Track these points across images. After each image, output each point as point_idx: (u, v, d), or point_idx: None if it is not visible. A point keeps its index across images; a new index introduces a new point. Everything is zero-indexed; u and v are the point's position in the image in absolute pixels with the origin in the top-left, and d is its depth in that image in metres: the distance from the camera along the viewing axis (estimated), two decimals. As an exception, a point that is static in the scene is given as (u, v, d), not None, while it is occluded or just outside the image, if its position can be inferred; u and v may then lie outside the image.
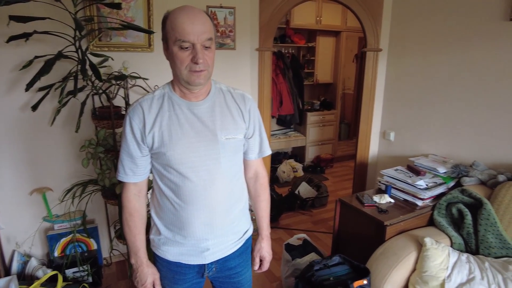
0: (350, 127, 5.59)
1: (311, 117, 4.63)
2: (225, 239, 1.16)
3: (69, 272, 2.13)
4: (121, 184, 1.14)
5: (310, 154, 4.79)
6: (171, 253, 1.14)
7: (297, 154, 4.90)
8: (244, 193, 1.24)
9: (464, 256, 1.62)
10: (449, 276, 1.52)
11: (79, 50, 1.76)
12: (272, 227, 3.07)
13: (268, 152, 1.25)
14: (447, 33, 2.25)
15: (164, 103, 1.06)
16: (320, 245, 2.50)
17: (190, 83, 1.01)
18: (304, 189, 3.56)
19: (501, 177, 1.87)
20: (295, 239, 2.29)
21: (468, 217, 1.75)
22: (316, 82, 4.81)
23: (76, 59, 1.78)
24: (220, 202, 1.10)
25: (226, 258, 1.18)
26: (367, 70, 2.78)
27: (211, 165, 1.07)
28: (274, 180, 4.20)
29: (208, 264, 1.16)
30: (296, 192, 3.53)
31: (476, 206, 1.77)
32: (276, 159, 4.64)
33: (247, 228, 1.25)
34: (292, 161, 4.53)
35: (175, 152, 1.03)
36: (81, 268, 2.14)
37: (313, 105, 4.84)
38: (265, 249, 1.28)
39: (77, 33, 1.72)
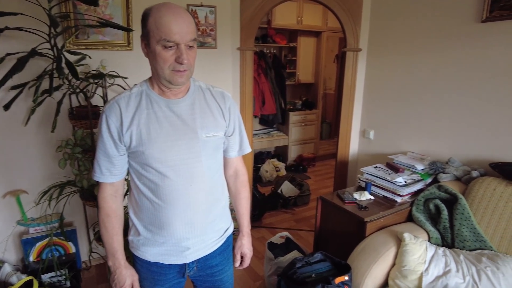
0: (332, 126, 5.67)
1: (293, 117, 4.67)
2: (206, 238, 1.15)
3: (46, 277, 2.06)
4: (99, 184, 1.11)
5: (293, 154, 4.83)
6: (151, 253, 1.12)
7: (280, 153, 4.93)
8: (225, 191, 1.24)
9: (441, 250, 1.67)
10: (426, 269, 1.57)
11: (55, 48, 1.70)
12: (255, 226, 3.10)
13: (248, 150, 1.25)
14: (424, 34, 2.31)
15: (142, 100, 1.04)
16: (302, 243, 2.52)
17: (172, 83, 1.00)
18: (287, 188, 3.58)
19: (474, 173, 1.93)
20: (278, 238, 2.30)
21: (445, 212, 1.80)
22: (298, 82, 4.85)
23: (52, 57, 1.72)
24: (201, 201, 1.09)
25: (207, 256, 1.17)
26: (347, 70, 2.82)
27: (192, 163, 1.06)
28: (257, 179, 4.20)
29: (189, 263, 1.15)
30: (279, 191, 3.54)
31: (452, 202, 1.83)
32: (259, 158, 4.66)
33: (228, 226, 1.25)
34: (275, 160, 4.55)
35: (154, 150, 1.02)
36: (58, 273, 2.08)
37: (295, 104, 4.88)
38: (246, 245, 1.29)
39: (52, 30, 1.66)
